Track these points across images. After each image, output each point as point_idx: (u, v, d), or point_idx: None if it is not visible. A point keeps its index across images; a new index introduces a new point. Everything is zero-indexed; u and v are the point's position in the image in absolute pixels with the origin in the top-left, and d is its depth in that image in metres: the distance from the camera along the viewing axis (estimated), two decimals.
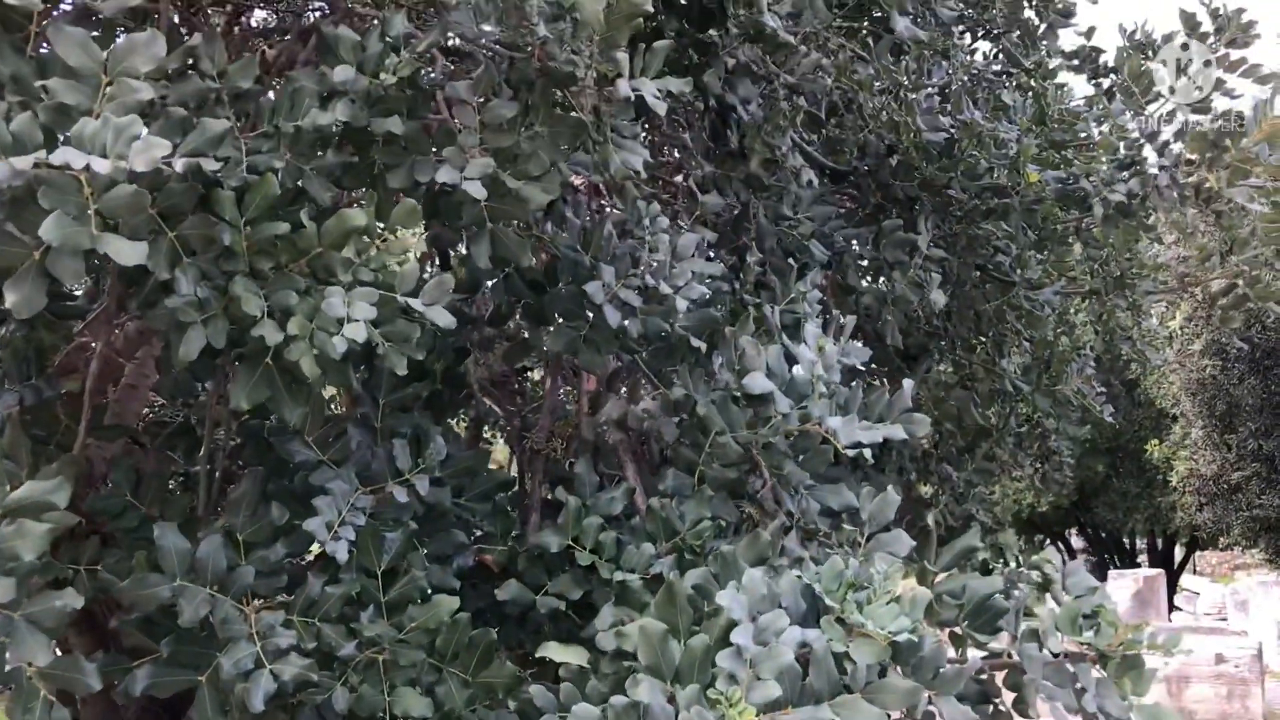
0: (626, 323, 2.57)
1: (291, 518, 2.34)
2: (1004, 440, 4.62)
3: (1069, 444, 5.72)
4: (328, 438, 2.46)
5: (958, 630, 2.31)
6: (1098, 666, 2.21)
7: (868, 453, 2.56)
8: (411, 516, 2.45)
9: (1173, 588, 20.29)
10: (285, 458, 2.42)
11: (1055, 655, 2.19)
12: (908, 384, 2.59)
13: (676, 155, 3.84)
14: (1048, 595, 2.32)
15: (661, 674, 1.87)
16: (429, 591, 2.35)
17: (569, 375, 3.30)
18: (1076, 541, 22.24)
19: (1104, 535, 21.96)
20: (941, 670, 2.04)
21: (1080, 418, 4.82)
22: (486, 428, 4.08)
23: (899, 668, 2.02)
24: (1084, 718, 2.14)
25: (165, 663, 2.22)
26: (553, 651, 2.29)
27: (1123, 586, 15.06)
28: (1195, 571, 24.74)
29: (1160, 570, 18.62)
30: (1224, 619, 18.25)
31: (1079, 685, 2.16)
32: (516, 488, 3.24)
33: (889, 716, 1.94)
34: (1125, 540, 22.18)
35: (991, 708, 2.23)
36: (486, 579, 2.60)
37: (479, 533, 2.70)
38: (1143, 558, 22.21)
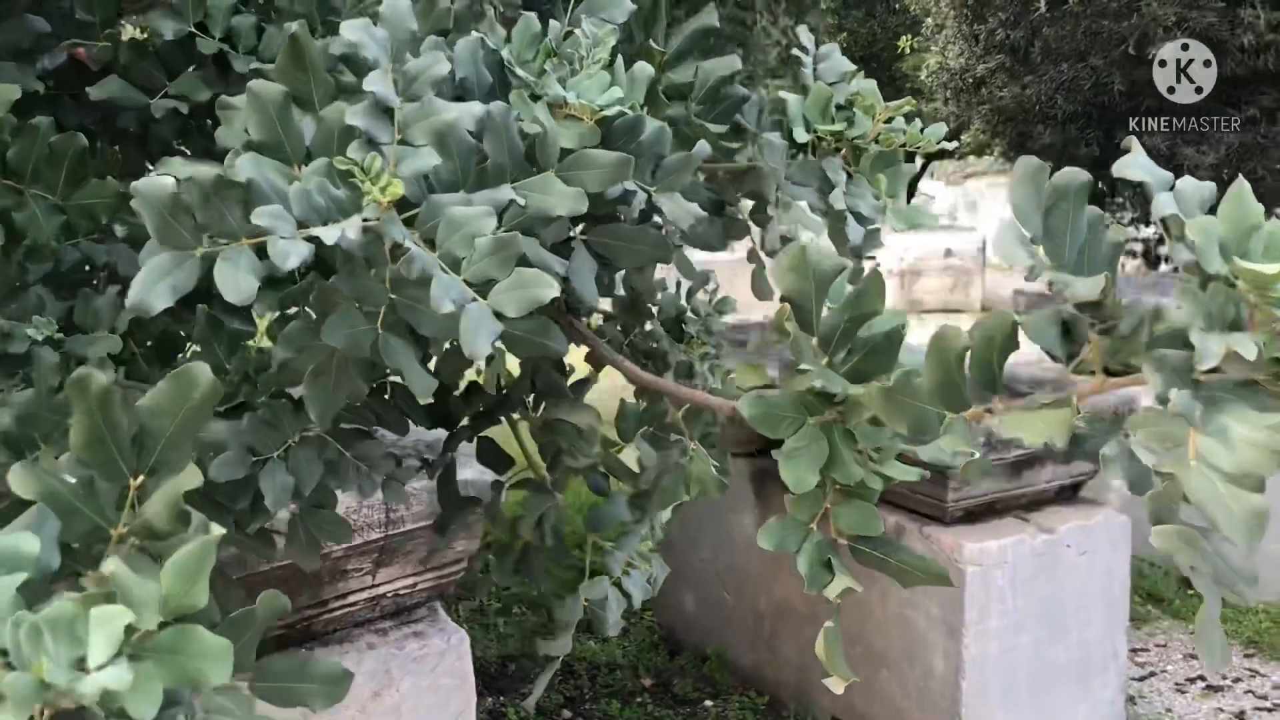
0: None
1: None
2: None
3: None
4: None
5: (687, 130, 1.88)
6: (849, 163, 1.85)
7: None
8: None
9: (911, 192, 21.31)
10: None
11: (801, 148, 1.80)
12: None
13: None
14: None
15: (282, 153, 1.34)
16: None
17: None
18: None
19: None
20: (664, 160, 1.61)
21: None
22: None
23: None
24: (830, 219, 1.79)
25: None
26: (174, 168, 1.72)
27: None
28: (933, 177, 26.08)
29: None
30: (955, 219, 19.44)
31: (827, 182, 1.79)
32: None
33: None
34: None
35: (724, 216, 1.85)
36: (90, 82, 1.95)
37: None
38: None
